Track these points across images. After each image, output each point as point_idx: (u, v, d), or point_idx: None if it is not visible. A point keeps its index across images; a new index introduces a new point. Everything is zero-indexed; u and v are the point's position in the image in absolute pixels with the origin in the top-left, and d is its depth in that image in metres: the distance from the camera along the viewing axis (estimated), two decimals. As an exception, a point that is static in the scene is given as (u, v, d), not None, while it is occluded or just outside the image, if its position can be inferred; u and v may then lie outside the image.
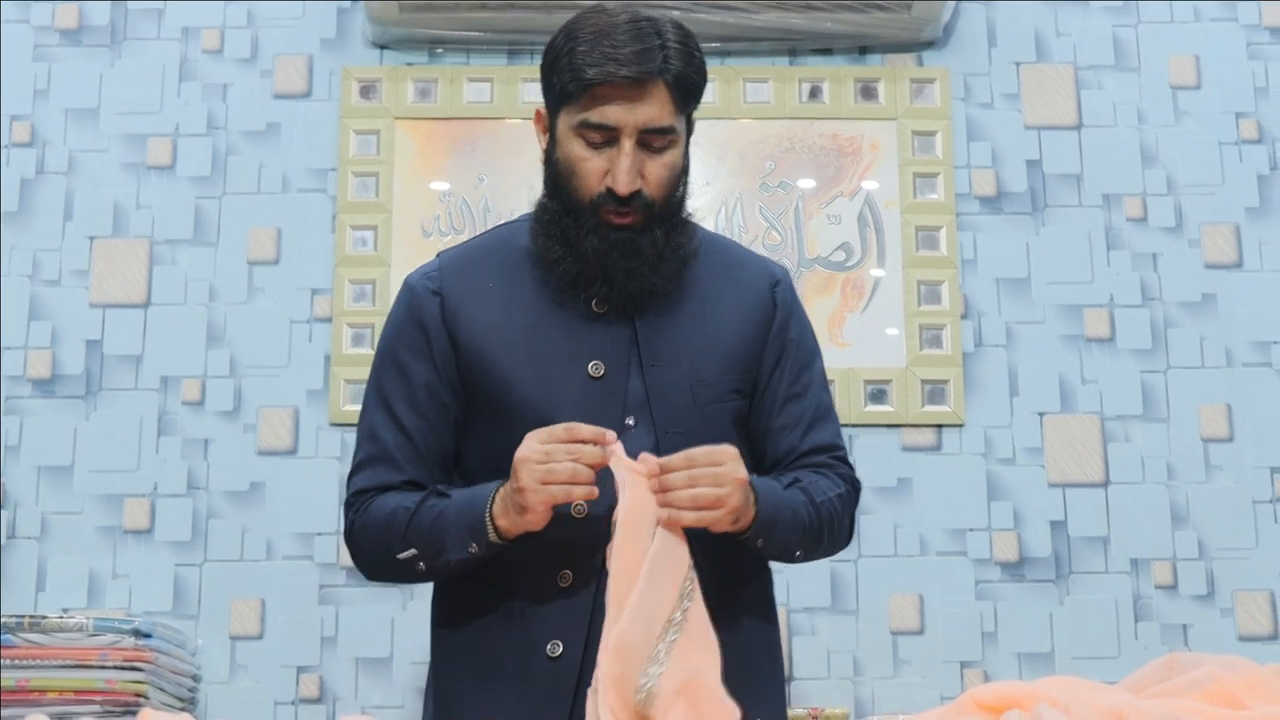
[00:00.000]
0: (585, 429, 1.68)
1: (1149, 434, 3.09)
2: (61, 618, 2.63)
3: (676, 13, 2.86)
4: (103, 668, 2.58)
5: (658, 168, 1.80)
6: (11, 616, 2.62)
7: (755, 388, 1.89)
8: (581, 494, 1.67)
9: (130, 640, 2.60)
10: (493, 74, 3.23)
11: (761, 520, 1.73)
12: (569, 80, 1.78)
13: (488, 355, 1.82)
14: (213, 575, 2.99)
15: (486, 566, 1.78)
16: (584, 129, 1.78)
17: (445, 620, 1.89)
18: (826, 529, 1.84)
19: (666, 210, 1.83)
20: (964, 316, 3.13)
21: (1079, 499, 3.05)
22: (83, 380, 3.07)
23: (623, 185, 1.76)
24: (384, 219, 3.15)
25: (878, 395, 3.07)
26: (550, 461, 1.65)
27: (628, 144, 1.77)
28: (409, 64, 3.24)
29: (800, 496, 1.80)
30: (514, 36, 3.21)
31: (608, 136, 1.78)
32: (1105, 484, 3.07)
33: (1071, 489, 3.06)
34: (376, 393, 1.88)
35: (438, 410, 1.85)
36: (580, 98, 1.78)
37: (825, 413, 1.92)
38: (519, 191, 3.16)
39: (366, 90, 3.21)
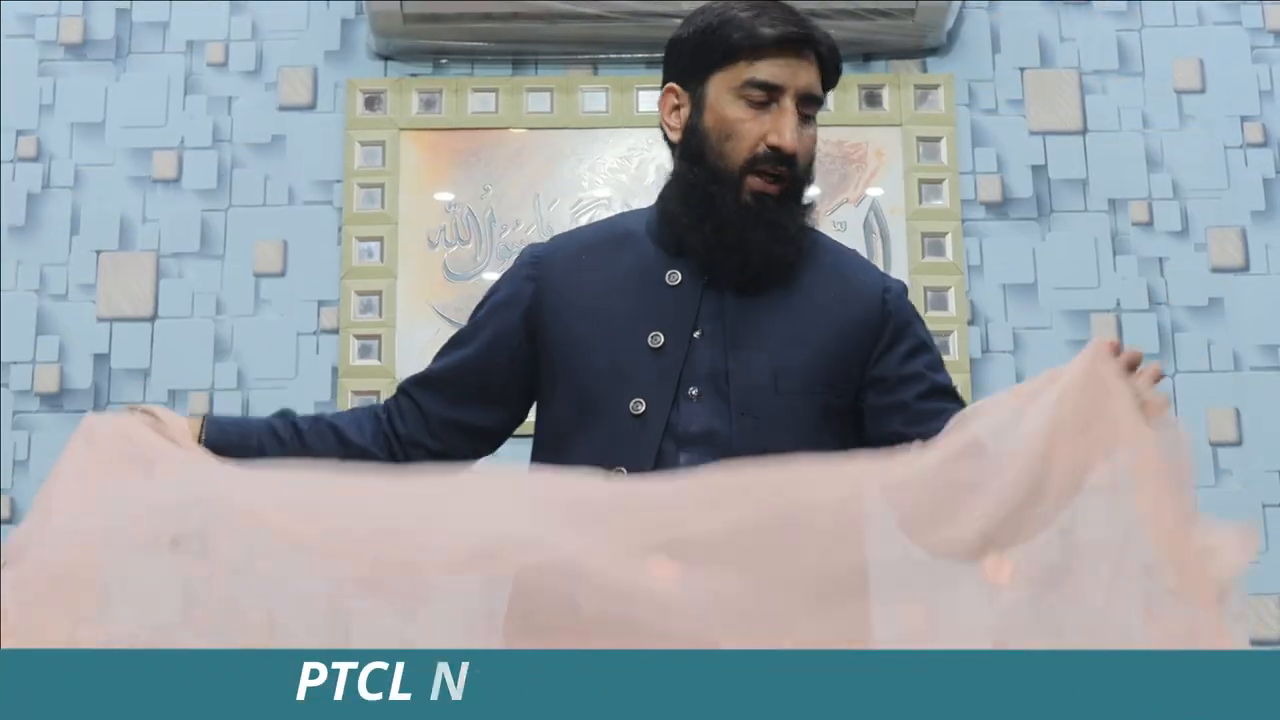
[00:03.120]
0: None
1: (1157, 439, 3.08)
2: (71, 632, 2.62)
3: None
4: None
5: (807, 138, 1.82)
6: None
7: (865, 379, 1.86)
8: None
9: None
10: (497, 84, 3.23)
11: None
12: (741, 38, 1.79)
13: (559, 321, 1.85)
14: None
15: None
16: (748, 88, 1.79)
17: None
18: None
19: (804, 185, 1.84)
20: (971, 323, 3.13)
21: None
22: (91, 394, 3.07)
23: (790, 141, 1.77)
24: (390, 230, 3.15)
25: (885, 402, 3.06)
26: None
27: (790, 104, 1.79)
28: (413, 75, 3.24)
29: None
30: (518, 47, 3.21)
31: (770, 97, 1.79)
32: (1114, 489, 3.06)
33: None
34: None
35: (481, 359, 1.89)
36: (746, 58, 1.79)
37: (943, 367, 1.91)
38: (524, 201, 3.17)
39: (371, 102, 3.21)
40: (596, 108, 3.21)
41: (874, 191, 3.19)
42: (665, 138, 1.90)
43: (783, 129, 1.77)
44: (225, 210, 3.18)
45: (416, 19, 3.13)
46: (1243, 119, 3.24)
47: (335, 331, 3.11)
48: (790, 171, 1.80)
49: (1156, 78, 3.26)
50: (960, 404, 1.84)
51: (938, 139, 3.20)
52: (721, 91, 1.82)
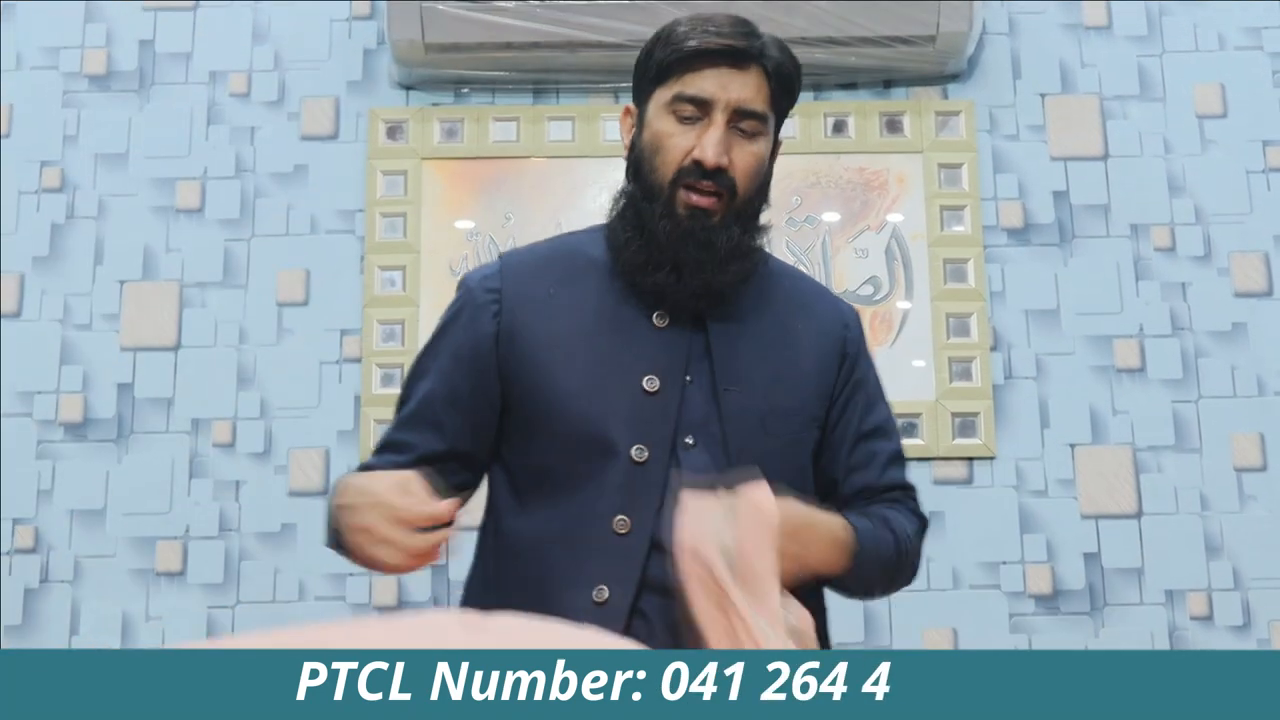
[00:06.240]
0: (418, 511, 1.55)
1: (1181, 464, 3.08)
2: (96, 663, 2.63)
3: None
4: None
5: (745, 154, 1.76)
6: (47, 662, 2.63)
7: (826, 423, 1.85)
8: (405, 569, 1.59)
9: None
10: (518, 113, 3.24)
11: (857, 563, 1.71)
12: (668, 54, 1.76)
13: (540, 364, 1.76)
14: (245, 617, 2.99)
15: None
16: (676, 103, 1.76)
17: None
18: (906, 566, 1.82)
19: (746, 207, 1.77)
20: (993, 348, 3.12)
21: (1112, 530, 3.04)
22: (114, 424, 3.08)
23: (711, 154, 1.72)
24: (412, 259, 3.16)
25: (908, 429, 3.06)
26: (374, 539, 1.58)
27: (719, 118, 1.74)
28: (435, 104, 3.25)
29: (889, 536, 1.77)
30: (539, 76, 3.23)
31: (700, 111, 1.75)
32: (1138, 515, 3.05)
33: (1104, 520, 3.05)
34: (414, 375, 1.87)
35: (460, 411, 1.81)
36: (676, 73, 1.76)
37: (897, 454, 1.89)
38: (546, 229, 3.17)
39: (393, 131, 3.23)
40: (617, 136, 3.21)
41: (895, 218, 3.19)
42: None
43: (705, 142, 1.73)
44: (248, 240, 3.19)
45: (438, 49, 3.14)
46: (1265, 143, 3.24)
47: (358, 360, 3.11)
48: (721, 186, 1.74)
49: (1178, 102, 3.26)
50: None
51: (959, 165, 3.20)
52: (656, 108, 1.79)
